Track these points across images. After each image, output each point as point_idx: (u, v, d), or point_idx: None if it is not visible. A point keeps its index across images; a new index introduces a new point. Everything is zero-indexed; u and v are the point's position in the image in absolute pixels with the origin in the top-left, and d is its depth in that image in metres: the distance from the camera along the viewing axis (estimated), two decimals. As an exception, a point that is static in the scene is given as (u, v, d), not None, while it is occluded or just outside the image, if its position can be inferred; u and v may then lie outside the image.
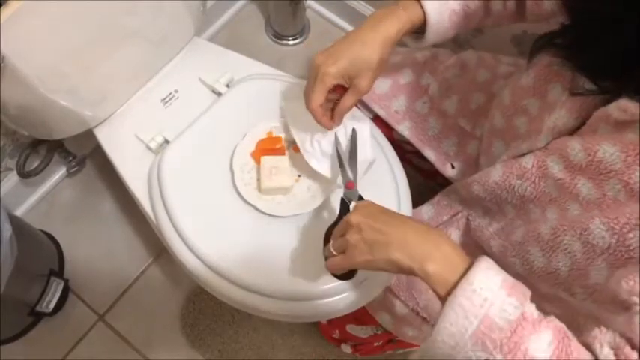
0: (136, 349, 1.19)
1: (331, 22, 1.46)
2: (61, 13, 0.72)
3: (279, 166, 0.82)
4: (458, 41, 1.17)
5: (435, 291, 0.50)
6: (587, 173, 0.54)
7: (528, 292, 0.48)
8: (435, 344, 0.47)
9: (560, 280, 0.56)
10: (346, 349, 1.08)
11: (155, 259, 1.26)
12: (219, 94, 0.94)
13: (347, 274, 0.66)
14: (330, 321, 1.01)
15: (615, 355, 0.45)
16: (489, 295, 0.46)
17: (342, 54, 0.67)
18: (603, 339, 0.46)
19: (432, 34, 0.70)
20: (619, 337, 0.45)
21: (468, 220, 0.79)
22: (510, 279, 0.48)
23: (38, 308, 1.12)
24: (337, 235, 0.60)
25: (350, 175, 0.73)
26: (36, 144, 1.13)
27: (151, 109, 0.94)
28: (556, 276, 0.57)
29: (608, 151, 0.51)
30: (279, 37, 1.46)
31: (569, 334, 0.47)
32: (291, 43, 1.47)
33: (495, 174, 0.67)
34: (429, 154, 0.88)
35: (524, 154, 0.64)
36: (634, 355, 0.43)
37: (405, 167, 0.87)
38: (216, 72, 0.95)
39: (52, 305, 1.14)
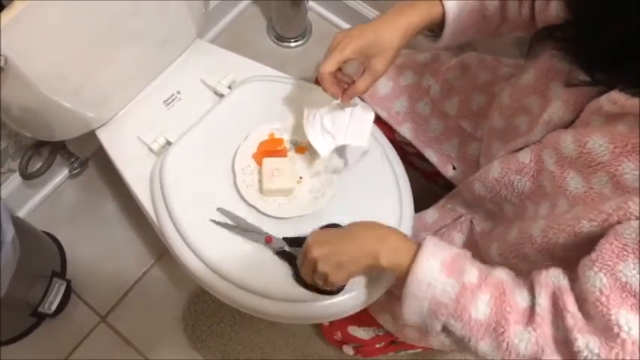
0: (138, 351, 1.19)
1: (333, 24, 1.47)
2: (63, 15, 0.72)
3: (280, 167, 0.82)
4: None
5: (397, 277, 0.62)
6: (577, 166, 0.55)
7: (466, 264, 0.57)
8: (409, 322, 0.61)
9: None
10: (348, 350, 1.07)
11: (157, 261, 1.27)
12: (221, 95, 0.94)
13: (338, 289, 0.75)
14: (331, 323, 1.01)
15: (553, 300, 0.52)
16: (432, 280, 0.57)
17: (364, 33, 0.68)
18: (545, 283, 0.53)
19: (450, 31, 0.70)
20: (565, 280, 0.52)
21: (471, 223, 0.79)
22: (449, 258, 0.58)
23: (40, 309, 1.12)
24: (309, 273, 0.69)
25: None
26: (38, 145, 1.14)
27: (153, 111, 0.94)
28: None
29: (597, 142, 0.52)
30: (281, 39, 1.46)
31: (510, 287, 0.55)
32: (293, 45, 1.47)
33: (494, 170, 0.68)
34: (431, 155, 0.88)
35: (520, 149, 0.64)
36: (570, 305, 0.50)
37: (406, 168, 0.87)
38: (219, 74, 0.95)
39: (54, 306, 1.14)
